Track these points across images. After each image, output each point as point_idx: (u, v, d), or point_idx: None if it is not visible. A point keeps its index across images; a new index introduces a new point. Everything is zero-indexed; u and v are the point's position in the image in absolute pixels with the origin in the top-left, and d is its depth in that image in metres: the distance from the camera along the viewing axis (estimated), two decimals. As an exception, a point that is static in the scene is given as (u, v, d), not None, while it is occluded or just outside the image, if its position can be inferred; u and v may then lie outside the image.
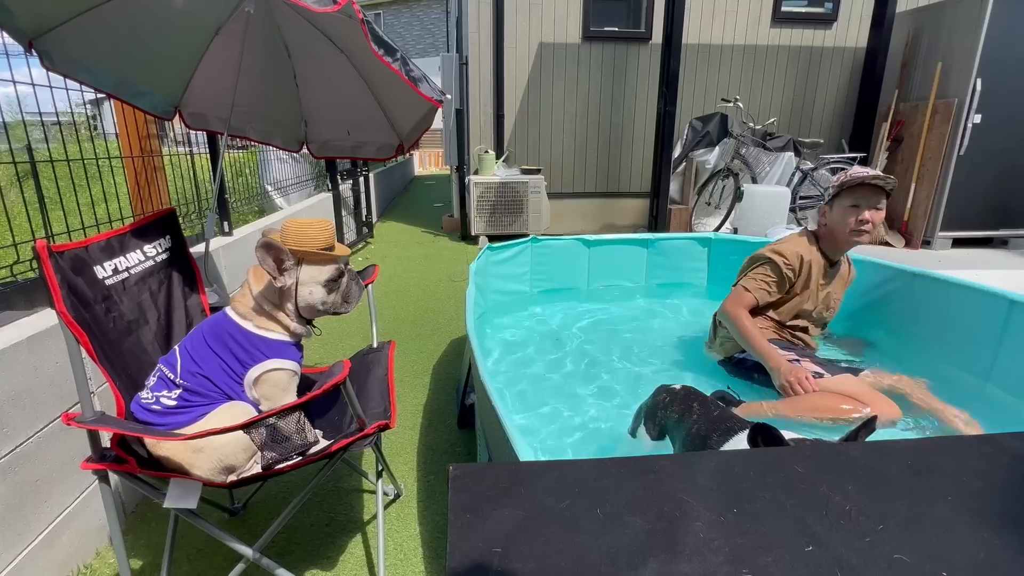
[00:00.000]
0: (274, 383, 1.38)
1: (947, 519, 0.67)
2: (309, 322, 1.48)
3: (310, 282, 1.40)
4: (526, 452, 0.99)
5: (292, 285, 1.38)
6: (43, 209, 1.82)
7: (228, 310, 1.41)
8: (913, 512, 0.68)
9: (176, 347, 1.36)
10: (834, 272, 2.16)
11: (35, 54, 1.60)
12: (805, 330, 2.20)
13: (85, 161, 1.98)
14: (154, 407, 1.26)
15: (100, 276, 1.30)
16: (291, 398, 1.42)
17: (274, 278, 1.35)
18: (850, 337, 2.52)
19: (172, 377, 1.29)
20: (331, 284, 1.43)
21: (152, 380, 1.30)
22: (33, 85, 1.76)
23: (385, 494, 1.73)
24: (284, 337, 1.42)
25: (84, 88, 1.82)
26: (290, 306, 1.41)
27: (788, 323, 2.16)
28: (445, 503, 1.71)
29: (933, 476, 0.75)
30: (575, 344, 2.65)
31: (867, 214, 1.93)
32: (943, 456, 0.79)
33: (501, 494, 0.70)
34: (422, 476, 1.86)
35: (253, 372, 1.36)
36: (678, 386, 1.58)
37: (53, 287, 1.12)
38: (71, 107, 1.91)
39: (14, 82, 1.70)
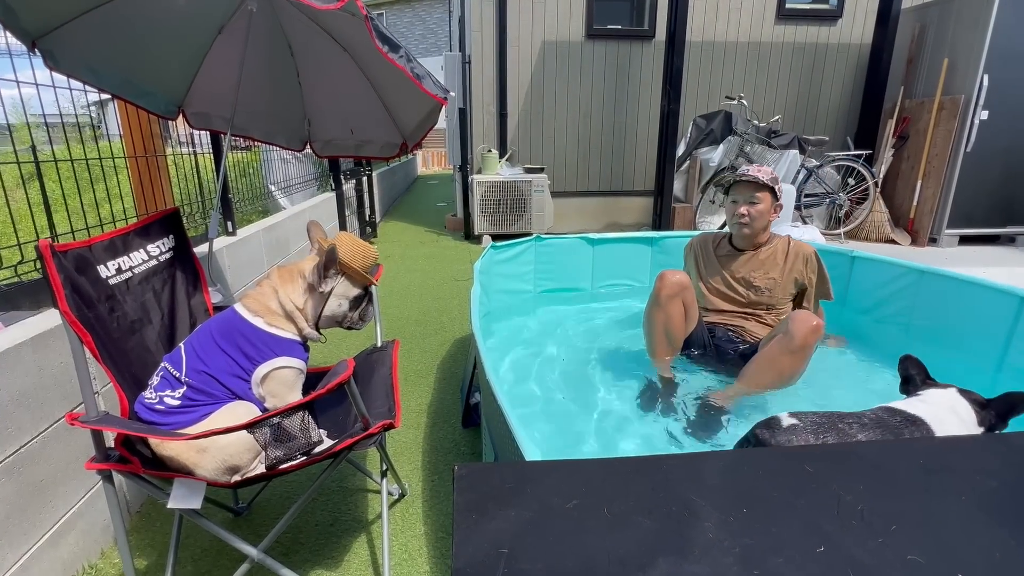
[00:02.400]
0: (281, 380, 1.39)
1: (961, 519, 0.66)
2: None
3: (341, 295, 1.48)
4: (532, 451, 0.98)
5: (327, 293, 1.45)
6: (48, 209, 1.82)
7: (238, 307, 1.41)
8: (926, 512, 0.67)
9: (181, 345, 1.36)
10: (740, 255, 2.26)
11: (38, 54, 1.60)
12: (721, 311, 2.29)
13: (89, 161, 1.98)
14: (158, 407, 1.25)
15: (104, 275, 1.30)
16: (297, 396, 1.42)
17: (319, 280, 1.42)
18: (832, 335, 2.56)
19: (177, 375, 1.29)
20: (356, 302, 1.52)
21: (155, 379, 1.30)
22: (37, 86, 1.76)
23: (390, 494, 1.72)
24: (294, 336, 1.44)
25: (88, 88, 1.82)
26: (311, 312, 1.45)
27: (709, 307, 2.31)
28: (450, 503, 1.70)
29: (945, 475, 0.74)
30: (579, 343, 2.64)
31: (743, 208, 2.15)
32: (955, 455, 0.78)
33: (507, 494, 0.69)
34: (427, 476, 1.86)
35: (262, 369, 1.36)
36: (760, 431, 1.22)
37: (56, 287, 1.11)
38: (75, 108, 1.91)
39: (18, 82, 1.70)
